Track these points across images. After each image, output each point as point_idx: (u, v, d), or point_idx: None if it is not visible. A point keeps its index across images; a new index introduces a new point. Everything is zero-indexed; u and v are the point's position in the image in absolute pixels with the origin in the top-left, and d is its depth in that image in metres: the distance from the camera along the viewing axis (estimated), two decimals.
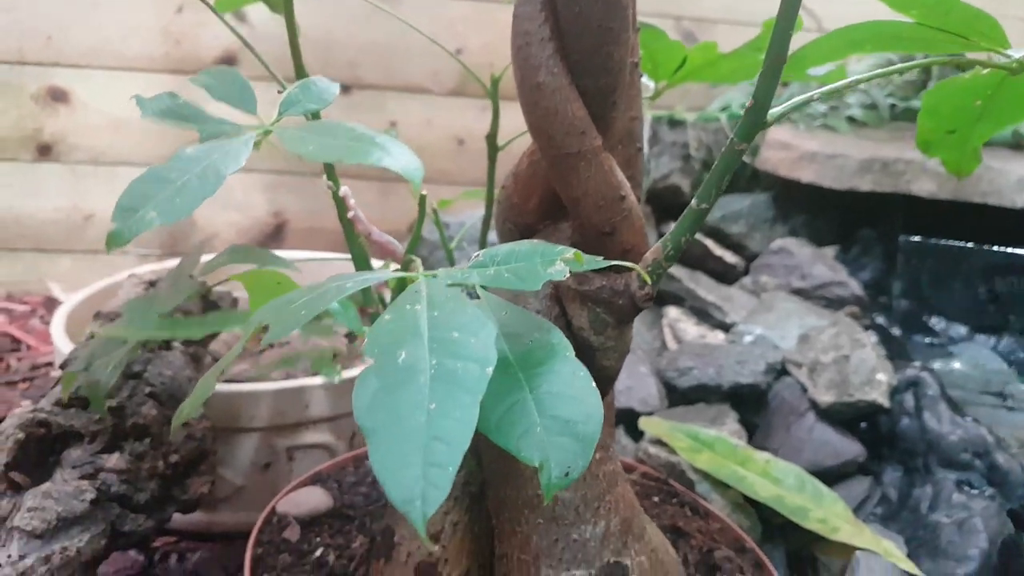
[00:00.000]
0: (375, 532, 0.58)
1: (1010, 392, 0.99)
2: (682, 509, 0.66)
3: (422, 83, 1.26)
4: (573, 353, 0.34)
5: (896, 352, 1.03)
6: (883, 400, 0.80)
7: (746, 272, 1.11)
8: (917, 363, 0.87)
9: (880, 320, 1.07)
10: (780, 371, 0.88)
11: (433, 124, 1.28)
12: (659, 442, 0.77)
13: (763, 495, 0.71)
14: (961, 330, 1.15)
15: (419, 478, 0.26)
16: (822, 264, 1.05)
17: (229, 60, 1.20)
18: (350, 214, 0.39)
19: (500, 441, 0.30)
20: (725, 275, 1.10)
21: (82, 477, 0.56)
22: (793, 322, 0.95)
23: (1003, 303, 1.11)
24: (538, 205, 0.50)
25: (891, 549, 0.68)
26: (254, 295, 0.36)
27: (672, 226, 0.44)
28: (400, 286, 0.51)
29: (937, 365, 1.06)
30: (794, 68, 0.53)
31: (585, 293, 0.46)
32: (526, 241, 0.36)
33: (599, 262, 0.36)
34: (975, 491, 0.75)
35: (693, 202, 0.43)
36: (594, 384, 0.33)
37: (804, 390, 0.84)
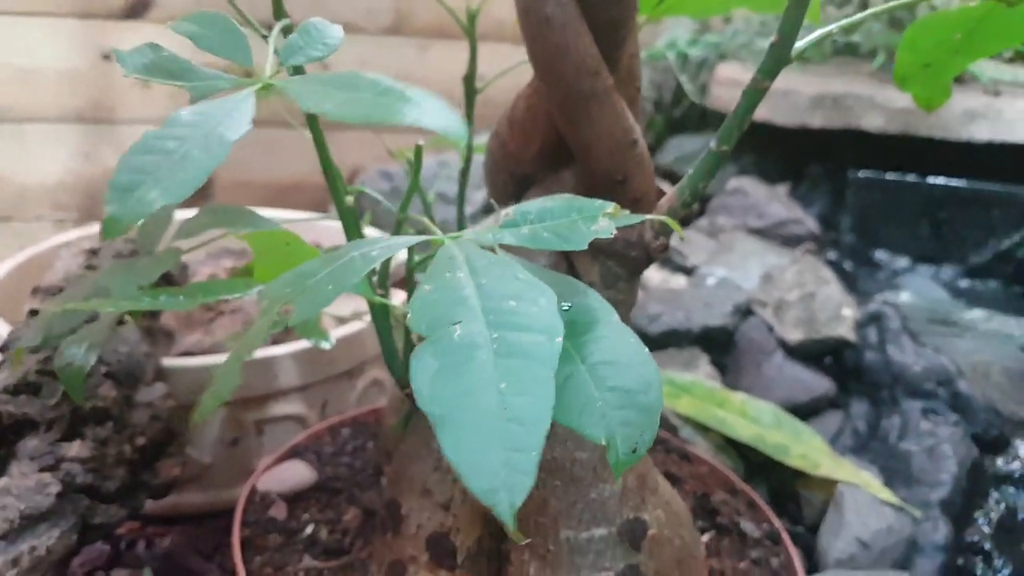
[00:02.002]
0: (371, 504, 0.56)
1: (955, 320, 1.03)
2: (669, 455, 0.66)
3: (354, 21, 1.18)
4: (617, 317, 0.32)
5: (849, 287, 1.05)
6: (850, 335, 0.82)
7: (701, 213, 1.11)
8: (878, 297, 0.89)
9: (831, 255, 1.09)
10: (746, 311, 0.88)
11: (368, 65, 1.22)
12: None
13: (744, 435, 0.71)
14: (904, 262, 1.18)
15: (501, 465, 0.23)
16: (777, 203, 1.05)
17: (143, 4, 1.10)
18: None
19: (560, 419, 0.28)
20: (681, 218, 1.09)
21: (42, 469, 0.51)
22: (754, 262, 0.95)
23: (943, 234, 1.14)
24: (538, 152, 0.46)
25: (870, 480, 0.69)
26: (261, 257, 0.32)
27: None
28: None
29: (887, 297, 1.08)
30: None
31: (597, 246, 0.43)
32: (560, 196, 0.33)
33: (632, 217, 0.34)
34: (940, 418, 0.78)
35: (712, 144, 0.41)
36: (646, 349, 0.31)
37: (771, 329, 0.85)
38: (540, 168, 0.47)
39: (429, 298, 0.27)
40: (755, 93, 0.39)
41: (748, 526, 0.57)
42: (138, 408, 0.57)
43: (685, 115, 1.16)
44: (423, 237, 0.31)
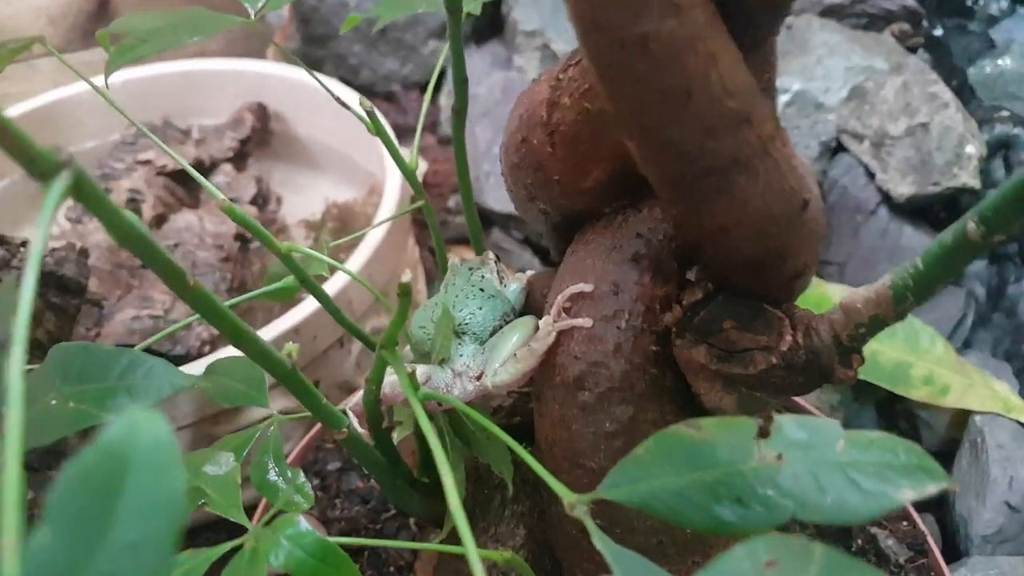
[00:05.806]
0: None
1: None
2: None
3: None
4: None
5: (945, 66, 0.82)
6: (975, 182, 0.62)
7: None
8: (1005, 112, 0.68)
9: (926, 25, 0.84)
10: (835, 147, 0.68)
11: None
12: None
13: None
14: (1002, 3, 0.93)
15: None
16: None
17: None
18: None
19: None
20: None
21: None
22: (837, 64, 0.73)
23: None
24: (603, 183, 0.26)
25: (1008, 398, 0.55)
26: None
27: None
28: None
29: (987, 68, 0.86)
30: None
31: (732, 376, 0.25)
32: None
33: None
34: None
35: (970, 226, 0.20)
36: None
37: (871, 176, 0.65)
38: (604, 201, 0.27)
39: None
40: None
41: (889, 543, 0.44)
42: None
43: None
44: None
